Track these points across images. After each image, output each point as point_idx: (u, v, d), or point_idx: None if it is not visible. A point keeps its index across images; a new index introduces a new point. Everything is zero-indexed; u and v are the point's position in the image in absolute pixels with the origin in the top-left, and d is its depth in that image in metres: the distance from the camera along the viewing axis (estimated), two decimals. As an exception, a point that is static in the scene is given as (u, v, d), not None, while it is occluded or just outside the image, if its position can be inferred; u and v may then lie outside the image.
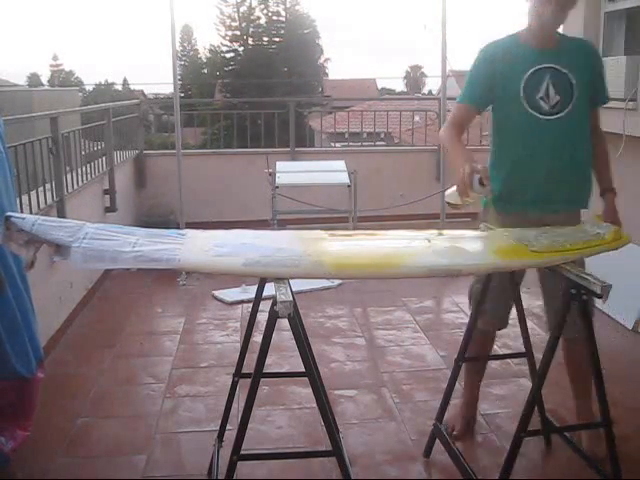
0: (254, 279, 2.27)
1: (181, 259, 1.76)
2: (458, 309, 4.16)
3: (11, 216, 1.76)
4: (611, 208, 2.47)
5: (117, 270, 4.67)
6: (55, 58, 51.02)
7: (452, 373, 2.52)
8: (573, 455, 2.29)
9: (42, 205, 3.67)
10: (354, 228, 5.06)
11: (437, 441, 2.49)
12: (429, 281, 4.29)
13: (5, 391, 2.39)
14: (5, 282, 2.29)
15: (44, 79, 48.28)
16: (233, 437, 1.85)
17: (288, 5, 29.37)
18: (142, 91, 28.90)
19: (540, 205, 2.39)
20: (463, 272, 1.93)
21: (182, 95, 16.47)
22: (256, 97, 20.58)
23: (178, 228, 2.20)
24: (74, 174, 4.38)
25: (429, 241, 2.08)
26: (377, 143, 9.38)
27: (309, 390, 1.91)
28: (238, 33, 29.41)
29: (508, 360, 3.33)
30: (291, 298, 1.67)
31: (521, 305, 2.40)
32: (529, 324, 2.49)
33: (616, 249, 1.99)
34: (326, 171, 5.56)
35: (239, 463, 1.82)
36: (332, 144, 11.18)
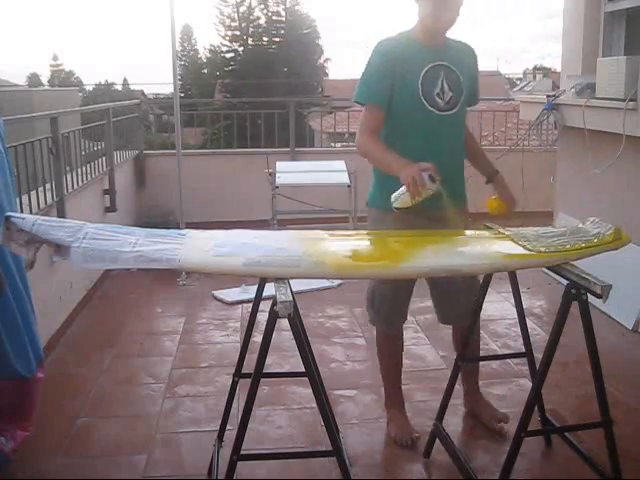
0: (254, 279, 2.27)
1: (181, 259, 1.76)
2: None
3: (11, 216, 1.76)
4: (505, 185, 2.56)
5: (117, 270, 4.67)
6: (55, 58, 51.07)
7: (452, 373, 2.52)
8: (573, 455, 2.29)
9: (42, 205, 3.67)
10: (354, 228, 5.06)
11: (437, 441, 2.49)
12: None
13: (5, 391, 2.40)
14: (5, 282, 2.30)
15: (44, 79, 48.32)
16: (233, 437, 1.85)
17: (288, 5, 29.40)
18: (142, 91, 28.87)
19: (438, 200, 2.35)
20: (463, 272, 1.93)
21: (182, 95, 16.48)
22: (256, 97, 20.56)
23: (178, 228, 2.20)
24: (74, 174, 4.38)
25: (429, 241, 2.09)
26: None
27: (309, 390, 1.91)
28: (238, 33, 29.43)
29: (508, 360, 3.33)
30: (291, 298, 1.67)
31: (521, 305, 2.40)
32: (529, 324, 2.49)
33: (616, 249, 1.98)
34: (326, 171, 5.56)
35: (239, 463, 1.83)
36: (332, 144, 11.18)
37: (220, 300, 4.45)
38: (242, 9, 29.47)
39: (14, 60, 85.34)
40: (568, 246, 1.94)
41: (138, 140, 6.46)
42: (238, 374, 2.31)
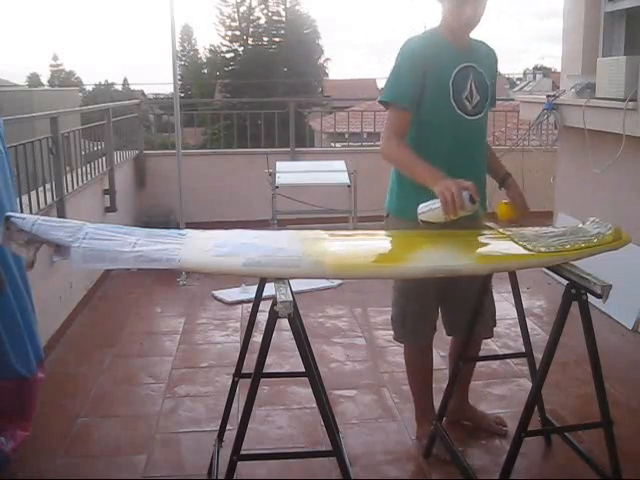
0: (254, 279, 2.27)
1: (181, 259, 1.76)
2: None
3: (11, 216, 1.76)
4: (519, 191, 2.45)
5: (117, 270, 4.67)
6: (55, 58, 51.08)
7: (452, 373, 2.52)
8: (573, 455, 2.29)
9: (42, 205, 3.67)
10: (354, 228, 5.06)
11: (437, 441, 2.49)
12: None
13: (5, 391, 2.40)
14: (5, 282, 2.30)
15: (44, 79, 48.33)
16: (233, 437, 1.85)
17: (288, 5, 29.42)
18: (142, 91, 28.92)
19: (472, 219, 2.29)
20: (463, 272, 1.93)
21: (182, 95, 16.48)
22: (256, 97, 20.58)
23: (178, 228, 2.20)
24: (74, 174, 4.38)
25: (429, 241, 2.09)
26: (377, 143, 9.35)
27: (309, 390, 1.91)
28: (238, 33, 29.43)
29: (508, 360, 3.33)
30: (291, 298, 1.67)
31: (521, 305, 2.40)
32: (529, 324, 2.49)
33: (616, 249, 1.98)
34: (326, 171, 5.56)
35: (239, 463, 1.82)
36: (332, 144, 11.17)
37: (220, 300, 4.45)
38: (242, 9, 29.50)
39: (14, 60, 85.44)
40: (568, 246, 1.94)
41: (138, 140, 6.46)
42: (238, 374, 2.31)
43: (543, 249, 1.93)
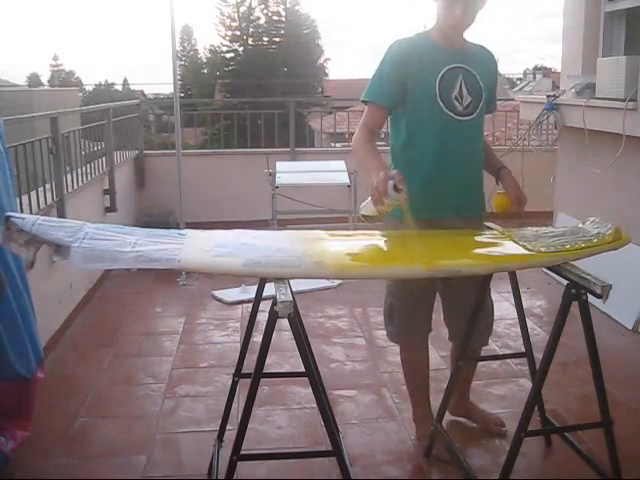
0: (254, 279, 2.27)
1: (181, 259, 1.76)
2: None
3: (11, 216, 1.76)
4: (514, 182, 2.43)
5: (117, 270, 4.67)
6: (55, 58, 51.07)
7: (452, 373, 2.52)
8: (573, 455, 2.29)
9: (42, 205, 3.67)
10: (354, 228, 5.06)
11: (437, 441, 2.49)
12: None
13: (5, 391, 2.40)
14: (5, 282, 2.30)
15: (44, 79, 48.33)
16: (233, 437, 1.84)
17: (288, 5, 29.37)
18: (142, 91, 28.97)
19: (456, 211, 2.33)
20: (463, 272, 1.93)
21: (182, 95, 16.50)
22: (256, 97, 20.56)
23: (178, 228, 2.20)
24: (74, 174, 4.38)
25: (428, 242, 2.08)
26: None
27: (309, 390, 1.91)
28: (238, 33, 29.39)
29: (508, 360, 3.33)
30: (291, 298, 1.67)
31: (521, 305, 2.40)
32: (529, 324, 2.48)
33: (616, 249, 1.98)
34: (326, 171, 5.56)
35: (239, 463, 1.82)
36: (332, 144, 11.17)
37: (220, 300, 4.45)
38: (242, 9, 29.45)
39: (14, 60, 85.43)
40: (568, 246, 1.94)
41: (138, 140, 6.46)
42: (238, 374, 2.31)
43: (543, 249, 1.93)
